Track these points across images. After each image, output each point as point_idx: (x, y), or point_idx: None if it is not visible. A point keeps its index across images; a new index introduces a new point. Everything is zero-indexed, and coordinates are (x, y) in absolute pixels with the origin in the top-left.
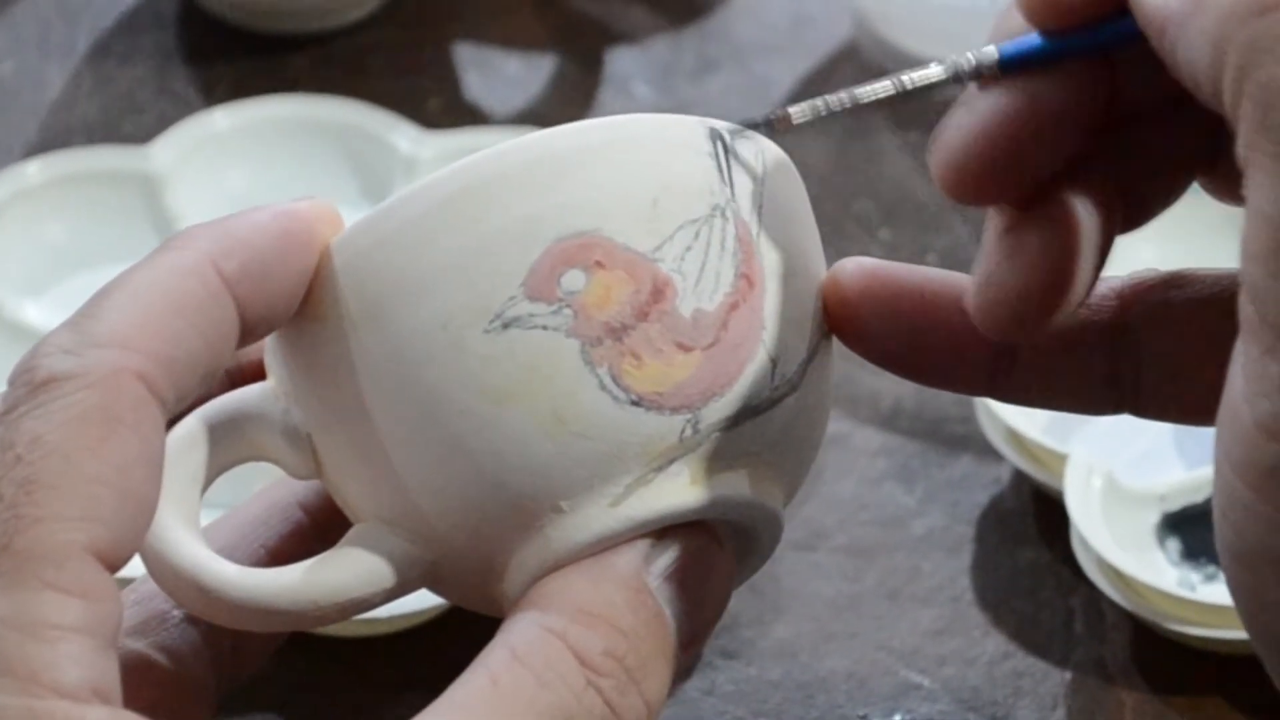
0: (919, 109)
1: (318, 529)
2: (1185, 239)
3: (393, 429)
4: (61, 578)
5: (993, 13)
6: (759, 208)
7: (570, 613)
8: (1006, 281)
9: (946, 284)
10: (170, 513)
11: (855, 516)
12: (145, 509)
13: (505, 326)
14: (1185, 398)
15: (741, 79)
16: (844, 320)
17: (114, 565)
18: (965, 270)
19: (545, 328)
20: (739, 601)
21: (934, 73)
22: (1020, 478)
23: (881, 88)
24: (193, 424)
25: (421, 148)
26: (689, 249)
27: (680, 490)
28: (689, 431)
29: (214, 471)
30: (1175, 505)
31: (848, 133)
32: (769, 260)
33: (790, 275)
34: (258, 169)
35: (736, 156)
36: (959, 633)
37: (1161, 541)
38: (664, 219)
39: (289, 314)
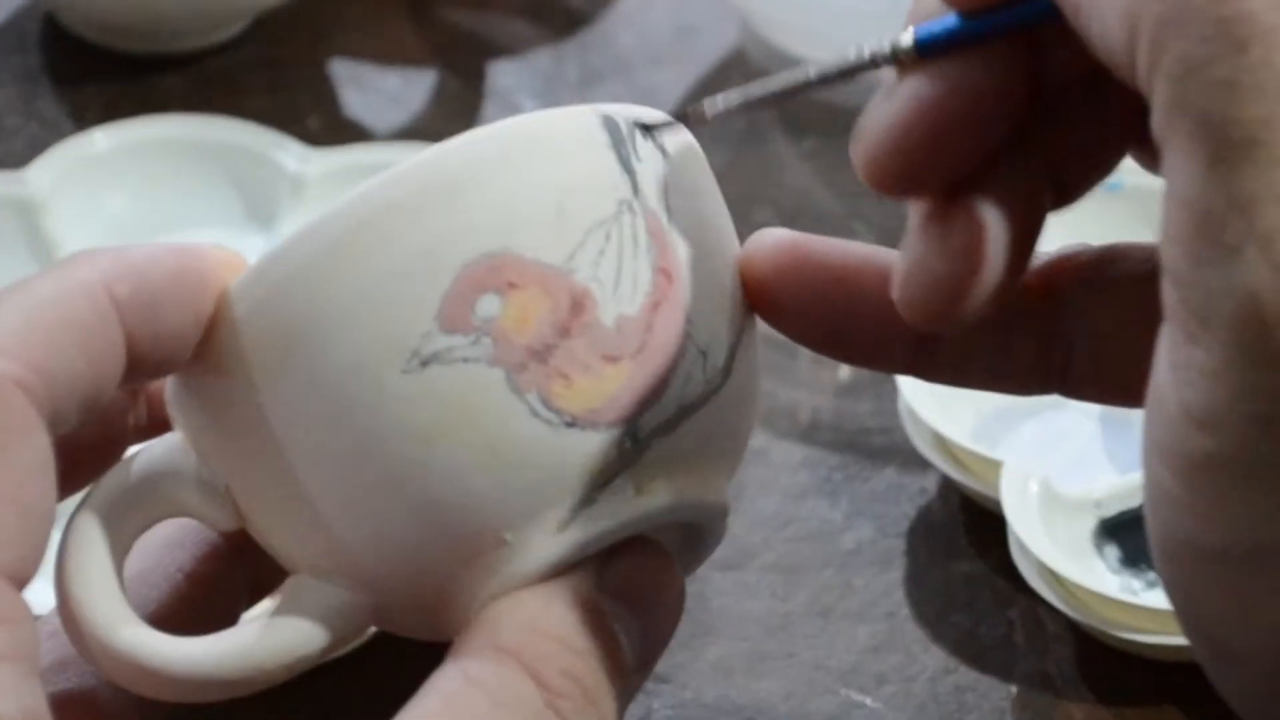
0: (815, 116)
1: (233, 547)
2: (1109, 227)
3: (318, 481)
4: None
5: (879, 15)
6: (665, 192)
7: (524, 633)
8: (932, 272)
9: (868, 258)
10: (96, 589)
11: (781, 533)
12: (45, 522)
13: (424, 364)
14: (1119, 378)
15: (627, 90)
16: (762, 298)
17: (21, 584)
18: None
19: (466, 360)
20: None
21: (849, 58)
22: (948, 487)
23: (796, 76)
24: (105, 489)
25: (308, 165)
26: (602, 253)
27: (626, 505)
28: (628, 443)
29: (132, 535)
30: (1111, 511)
31: (743, 141)
32: (684, 248)
33: (707, 259)
34: (139, 192)
35: (634, 142)
36: (898, 649)
37: (1099, 549)
38: (572, 225)
39: (182, 355)
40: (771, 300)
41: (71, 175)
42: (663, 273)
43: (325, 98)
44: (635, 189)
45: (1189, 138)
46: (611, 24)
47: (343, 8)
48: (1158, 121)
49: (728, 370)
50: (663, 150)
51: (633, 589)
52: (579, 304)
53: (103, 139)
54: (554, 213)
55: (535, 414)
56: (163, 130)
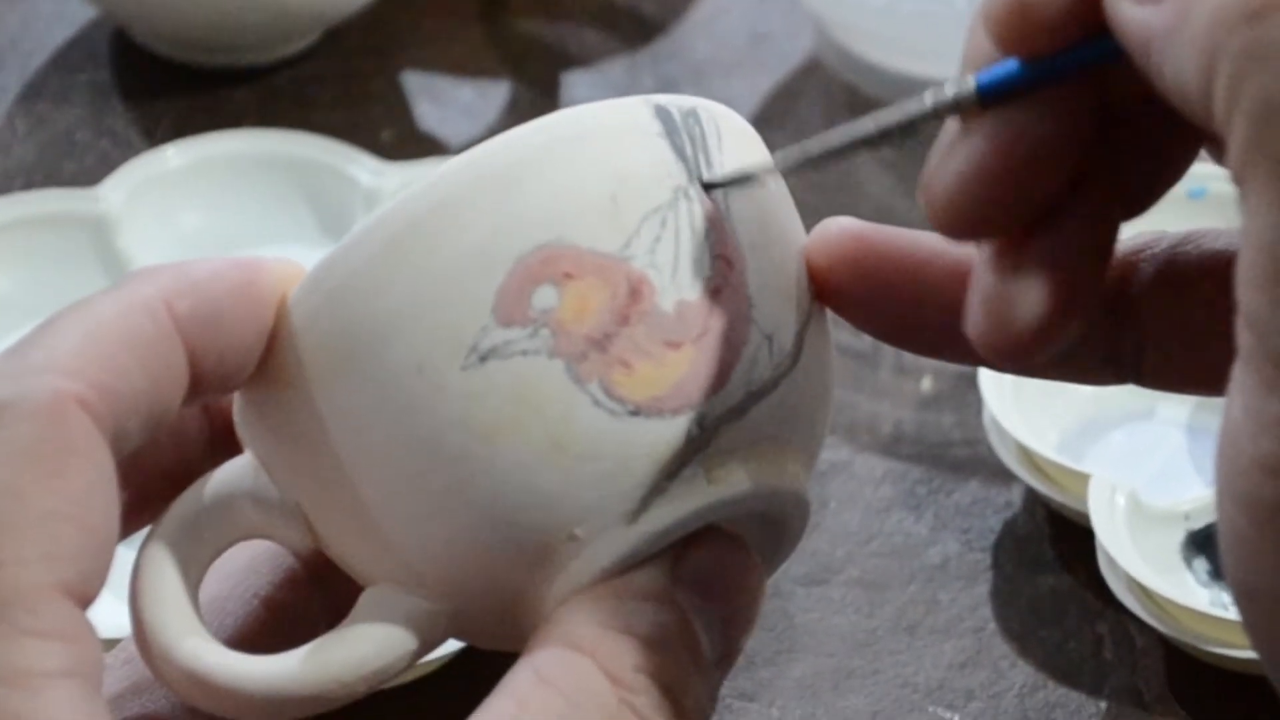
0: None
1: (310, 573)
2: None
3: (382, 490)
4: (37, 622)
5: (956, 19)
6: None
7: (597, 630)
8: (1009, 312)
9: (935, 248)
10: (169, 611)
11: (865, 548)
12: (107, 540)
13: (483, 359)
14: (1192, 367)
15: (703, 97)
16: (827, 287)
17: (84, 602)
18: None
19: (525, 353)
20: (752, 640)
21: (912, 110)
22: (1033, 500)
23: (856, 131)
24: (177, 512)
25: (382, 179)
26: (658, 239)
27: (697, 493)
28: (695, 430)
29: (207, 558)
30: (1200, 523)
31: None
32: (744, 233)
33: (770, 245)
34: (212, 208)
35: (688, 130)
36: (985, 665)
37: (1189, 561)
38: (626, 213)
39: (245, 370)
40: (835, 289)
41: (144, 192)
42: (723, 259)
43: (398, 111)
44: (691, 176)
45: (1268, 179)
46: (685, 33)
47: (415, 20)
48: (1235, 161)
49: (796, 355)
50: (719, 137)
51: (709, 580)
52: (637, 291)
53: (175, 155)
54: (608, 201)
55: (598, 404)
56: (235, 145)
